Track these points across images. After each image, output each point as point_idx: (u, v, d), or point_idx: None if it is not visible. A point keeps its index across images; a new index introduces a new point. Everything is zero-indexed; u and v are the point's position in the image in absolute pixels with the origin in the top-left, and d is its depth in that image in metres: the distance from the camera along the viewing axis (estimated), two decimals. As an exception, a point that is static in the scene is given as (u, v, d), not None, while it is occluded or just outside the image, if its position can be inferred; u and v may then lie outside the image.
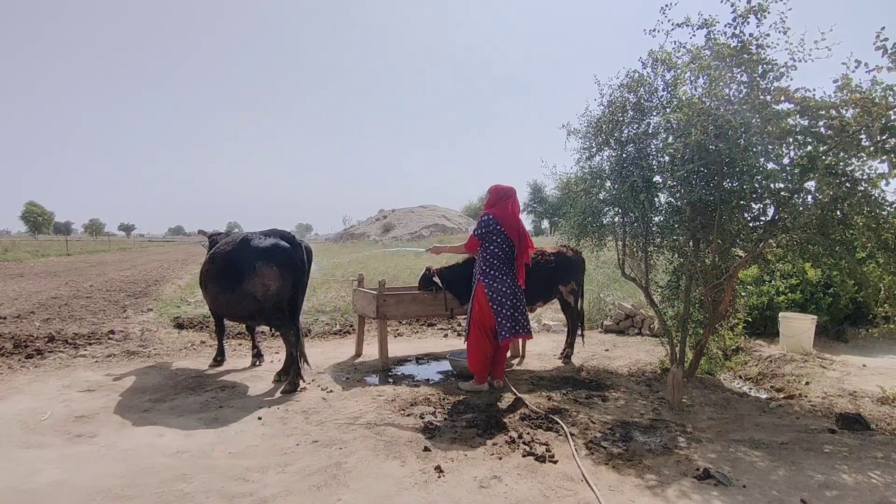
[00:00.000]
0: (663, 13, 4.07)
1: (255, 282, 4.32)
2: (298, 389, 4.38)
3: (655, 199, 4.57)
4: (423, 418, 3.73)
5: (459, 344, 6.56)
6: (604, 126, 4.66)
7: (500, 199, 4.42)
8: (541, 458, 3.09)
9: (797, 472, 3.03)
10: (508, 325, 4.30)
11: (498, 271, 4.32)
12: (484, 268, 4.36)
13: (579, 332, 5.84)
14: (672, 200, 4.52)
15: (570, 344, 5.74)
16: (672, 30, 4.13)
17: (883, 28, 3.23)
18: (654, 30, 4.16)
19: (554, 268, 5.53)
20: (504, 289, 4.31)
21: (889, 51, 3.19)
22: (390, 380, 4.87)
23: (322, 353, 5.88)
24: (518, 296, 4.37)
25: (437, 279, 5.37)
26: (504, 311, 4.30)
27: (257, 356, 5.36)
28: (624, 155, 4.62)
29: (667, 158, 4.31)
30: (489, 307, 4.31)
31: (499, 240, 4.31)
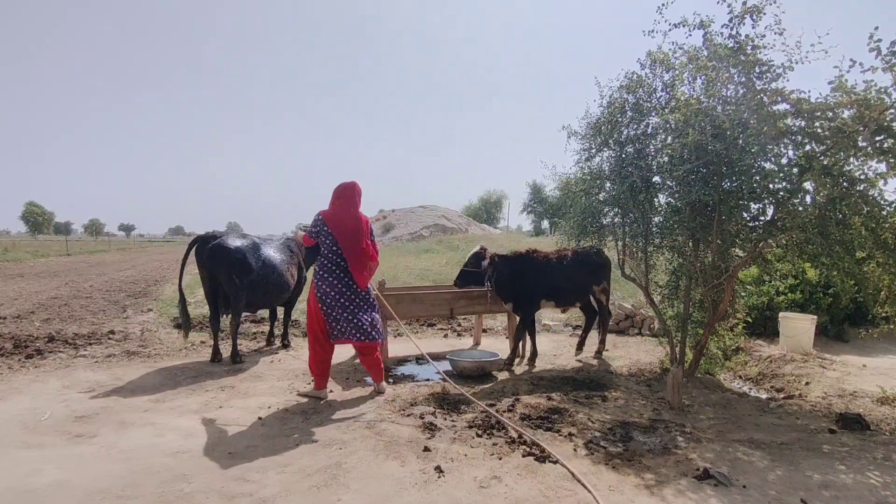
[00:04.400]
0: (660, 13, 4.07)
1: None
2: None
3: (655, 199, 4.58)
4: (423, 418, 3.73)
5: (459, 344, 6.57)
6: (603, 127, 4.66)
7: (336, 197, 4.22)
8: (541, 458, 3.09)
9: (796, 472, 3.03)
10: (339, 326, 4.13)
11: (326, 271, 4.14)
12: (316, 267, 4.23)
13: (593, 328, 6.10)
14: (671, 201, 4.53)
15: (602, 341, 6.03)
16: (669, 30, 4.13)
17: (876, 28, 3.23)
18: (653, 31, 4.16)
19: (590, 269, 5.64)
20: (329, 290, 4.11)
21: (883, 52, 3.19)
22: (390, 380, 4.87)
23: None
24: (350, 298, 4.15)
25: (487, 265, 5.36)
26: (333, 312, 4.13)
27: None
28: (623, 155, 4.63)
29: (665, 159, 4.32)
30: (318, 308, 4.18)
31: (327, 241, 4.15)
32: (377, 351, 4.32)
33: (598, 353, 5.95)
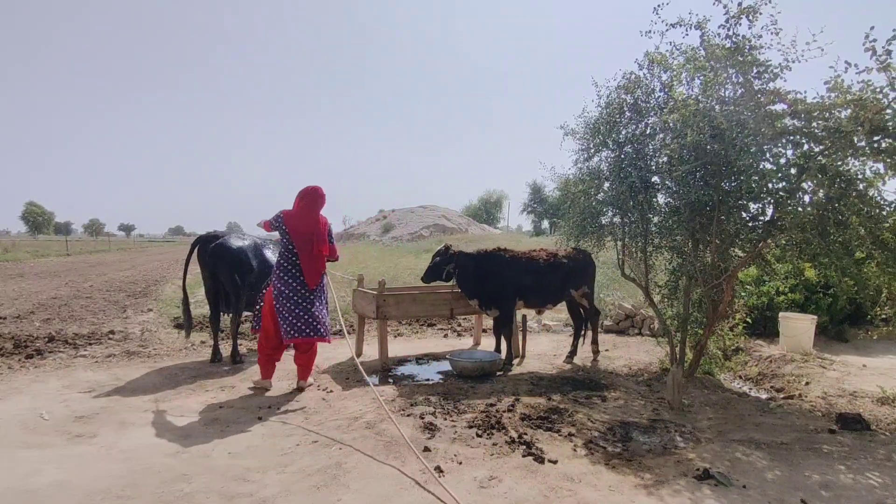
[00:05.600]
0: (656, 13, 4.06)
1: None
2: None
3: (654, 199, 4.57)
4: (423, 418, 3.73)
5: (459, 344, 6.57)
6: (601, 127, 4.66)
7: (299, 199, 4.37)
8: (540, 459, 3.09)
9: (796, 472, 3.03)
10: (286, 326, 4.25)
11: (282, 271, 4.31)
12: (274, 266, 4.45)
13: (583, 332, 5.92)
14: (670, 201, 4.52)
15: (594, 341, 5.83)
16: (667, 31, 4.13)
17: (872, 28, 3.23)
18: (650, 31, 4.16)
19: (566, 271, 5.55)
20: (284, 289, 4.26)
21: (878, 52, 3.20)
22: (390, 380, 4.88)
23: (322, 354, 5.87)
24: (303, 296, 4.28)
25: (452, 260, 5.40)
26: (284, 311, 4.26)
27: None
28: (622, 156, 4.62)
29: (664, 159, 4.32)
30: (273, 305, 4.34)
31: (285, 240, 4.32)
32: (314, 348, 4.47)
33: (594, 354, 5.79)
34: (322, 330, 4.32)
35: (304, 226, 4.28)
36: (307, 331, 4.25)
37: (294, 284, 4.27)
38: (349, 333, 7.05)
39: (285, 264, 4.31)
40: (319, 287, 4.41)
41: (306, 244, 4.27)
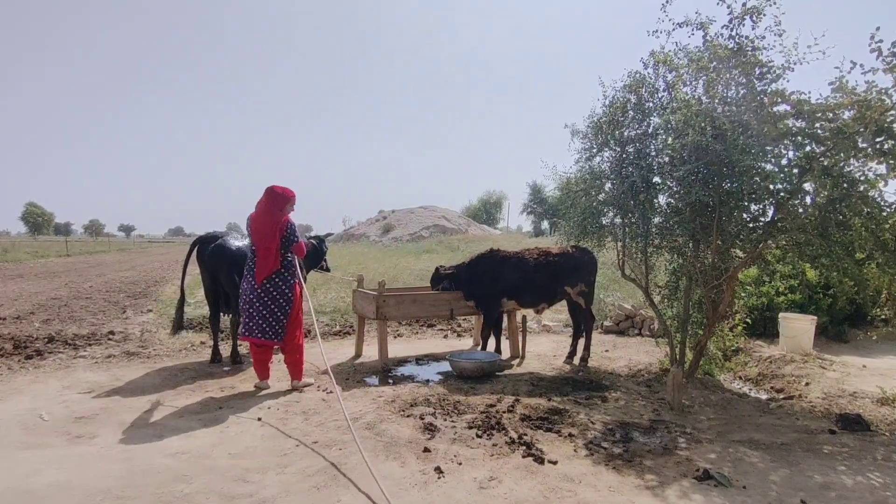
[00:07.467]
0: (663, 10, 4.06)
1: None
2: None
3: (655, 199, 4.56)
4: (422, 419, 3.73)
5: (459, 345, 6.57)
6: (604, 126, 4.65)
7: (261, 199, 4.42)
8: (541, 459, 3.08)
9: (797, 472, 3.03)
10: (242, 325, 4.42)
11: (248, 270, 4.44)
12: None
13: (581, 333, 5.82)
14: (671, 201, 4.52)
15: (585, 347, 5.57)
16: (673, 30, 4.13)
17: (878, 29, 3.23)
18: (657, 31, 4.16)
19: (558, 268, 5.46)
20: (245, 286, 4.40)
21: (884, 53, 3.19)
22: (390, 380, 4.87)
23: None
24: (259, 297, 4.31)
25: (445, 278, 5.60)
26: (242, 309, 4.44)
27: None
28: (624, 155, 4.62)
29: (666, 159, 4.32)
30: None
31: (251, 241, 4.44)
32: (297, 352, 4.47)
33: (583, 360, 5.47)
34: (270, 333, 4.33)
35: (261, 224, 4.34)
36: (257, 332, 4.32)
37: (252, 282, 4.34)
38: (350, 334, 7.05)
39: (250, 264, 4.42)
40: (277, 287, 4.34)
41: (261, 241, 4.33)
